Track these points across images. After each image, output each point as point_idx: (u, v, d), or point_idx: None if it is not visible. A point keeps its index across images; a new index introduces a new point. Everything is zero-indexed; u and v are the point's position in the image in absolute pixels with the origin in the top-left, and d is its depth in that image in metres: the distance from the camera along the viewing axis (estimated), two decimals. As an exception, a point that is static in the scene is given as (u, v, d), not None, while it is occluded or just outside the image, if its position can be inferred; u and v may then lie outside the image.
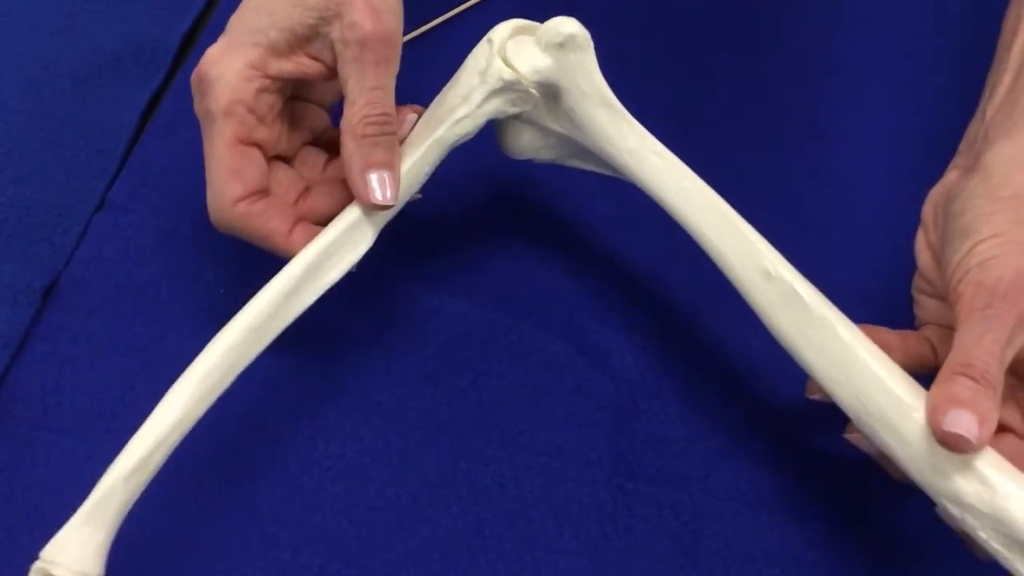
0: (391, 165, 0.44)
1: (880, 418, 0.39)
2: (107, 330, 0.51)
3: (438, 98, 0.47)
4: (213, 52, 0.44)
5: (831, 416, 0.43)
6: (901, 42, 0.63)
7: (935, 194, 0.44)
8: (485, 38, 0.47)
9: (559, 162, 0.50)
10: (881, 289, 0.51)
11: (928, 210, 0.44)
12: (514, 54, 0.46)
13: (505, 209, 0.53)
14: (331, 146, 0.48)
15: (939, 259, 0.42)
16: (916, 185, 0.46)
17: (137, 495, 0.40)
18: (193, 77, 0.44)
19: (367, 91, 0.43)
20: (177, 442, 0.41)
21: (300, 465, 0.48)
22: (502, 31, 0.46)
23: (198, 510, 0.46)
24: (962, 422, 0.36)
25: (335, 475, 0.47)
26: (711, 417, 0.49)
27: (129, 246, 0.53)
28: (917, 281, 0.45)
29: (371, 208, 0.44)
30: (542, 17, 0.46)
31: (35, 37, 0.61)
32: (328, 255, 0.44)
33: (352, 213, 0.45)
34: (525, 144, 0.49)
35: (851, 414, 0.41)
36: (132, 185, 0.56)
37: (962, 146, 0.45)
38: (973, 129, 0.44)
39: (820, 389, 0.42)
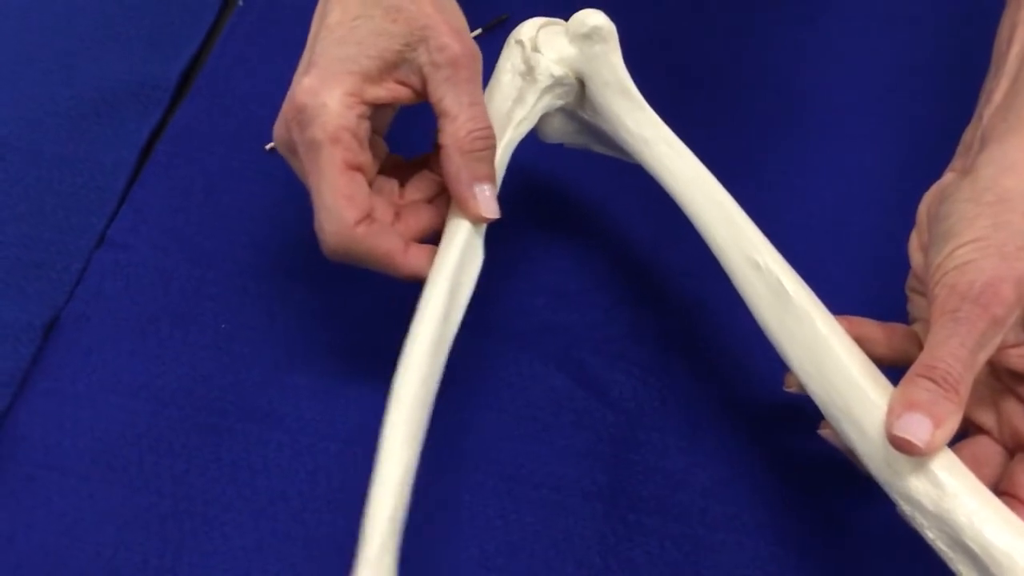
0: (493, 178, 0.46)
1: (845, 412, 0.40)
2: (108, 367, 0.51)
3: None
4: (308, 83, 0.44)
5: (834, 448, 0.43)
6: (891, 51, 0.65)
7: (930, 195, 0.44)
8: (512, 40, 0.49)
9: (587, 147, 0.53)
10: (881, 286, 0.52)
11: (922, 210, 0.44)
12: (543, 47, 0.48)
13: (500, 243, 0.54)
14: (395, 173, 0.50)
15: (927, 255, 0.43)
16: (917, 184, 0.47)
17: (400, 539, 0.40)
18: (288, 109, 0.45)
19: (467, 107, 0.45)
20: (413, 481, 0.41)
21: (298, 495, 0.48)
22: (528, 29, 0.49)
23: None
24: (913, 427, 0.37)
25: (334, 506, 0.48)
26: (711, 448, 0.50)
27: (129, 283, 0.54)
28: (910, 280, 0.45)
29: (479, 221, 0.46)
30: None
31: (33, 75, 0.62)
32: (460, 272, 0.45)
33: (461, 228, 0.46)
34: (556, 129, 0.52)
35: (821, 407, 0.41)
36: (131, 222, 0.56)
37: (959, 149, 0.45)
38: (970, 132, 0.45)
39: (796, 382, 0.43)
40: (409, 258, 0.45)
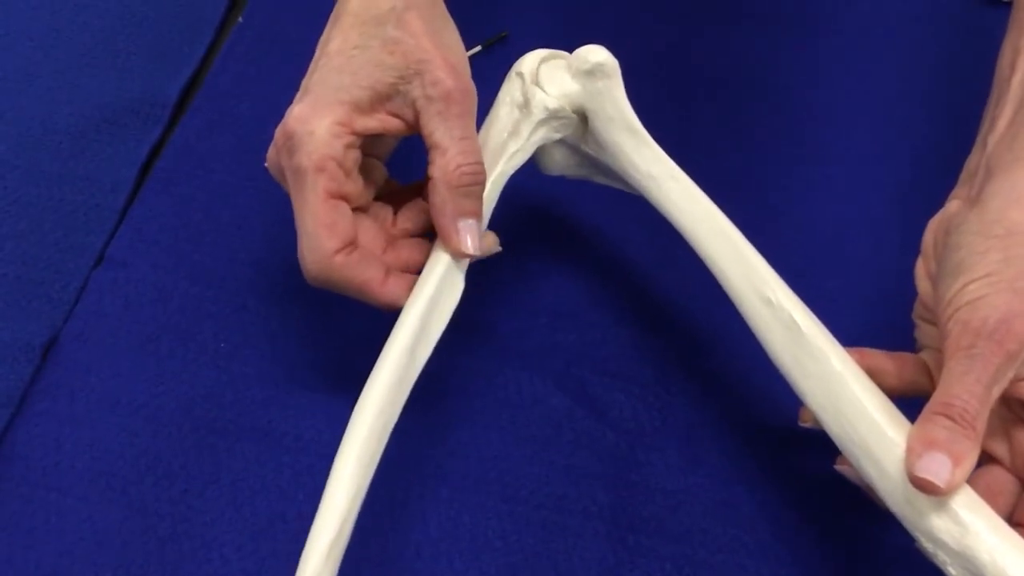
0: (479, 214, 0.46)
1: (864, 449, 0.40)
2: (107, 387, 0.51)
3: (479, 138, 0.48)
4: (299, 111, 0.45)
5: (834, 470, 0.44)
6: (892, 72, 0.65)
7: (935, 223, 0.44)
8: (513, 72, 0.49)
9: (589, 178, 0.53)
10: (884, 307, 0.52)
11: (928, 239, 0.45)
12: (544, 81, 0.48)
13: (500, 262, 0.54)
14: (392, 199, 0.50)
15: (937, 288, 0.43)
16: (920, 207, 0.47)
17: (338, 568, 0.40)
18: (279, 135, 0.45)
19: (458, 141, 0.45)
20: (359, 509, 0.41)
21: (297, 517, 0.48)
22: (530, 62, 0.48)
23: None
24: (934, 466, 0.37)
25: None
26: (711, 468, 0.50)
27: (128, 302, 0.54)
28: (917, 307, 0.46)
29: (460, 256, 0.46)
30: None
31: (32, 93, 0.62)
32: (433, 306, 0.45)
33: (441, 261, 0.46)
34: (557, 162, 0.51)
35: (838, 443, 0.41)
36: (130, 240, 0.56)
37: (963, 176, 0.45)
38: (974, 159, 0.45)
39: (812, 417, 0.43)
40: (386, 288, 0.45)
